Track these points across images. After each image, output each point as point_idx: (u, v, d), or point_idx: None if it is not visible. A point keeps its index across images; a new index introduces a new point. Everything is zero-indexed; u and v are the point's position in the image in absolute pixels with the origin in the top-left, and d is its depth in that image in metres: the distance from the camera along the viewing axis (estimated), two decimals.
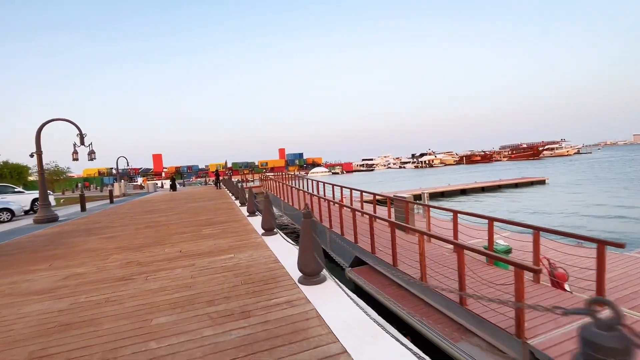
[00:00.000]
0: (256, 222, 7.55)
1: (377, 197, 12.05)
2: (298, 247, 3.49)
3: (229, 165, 32.35)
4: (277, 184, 19.52)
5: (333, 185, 15.14)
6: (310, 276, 3.35)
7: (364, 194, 12.82)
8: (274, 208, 15.53)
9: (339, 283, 3.24)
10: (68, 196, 32.82)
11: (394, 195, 11.45)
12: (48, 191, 18.38)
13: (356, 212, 8.42)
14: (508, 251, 6.67)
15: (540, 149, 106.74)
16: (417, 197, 15.71)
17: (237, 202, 12.24)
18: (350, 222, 8.77)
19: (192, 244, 5.69)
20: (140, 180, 46.58)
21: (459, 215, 7.46)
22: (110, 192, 17.18)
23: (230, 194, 16.78)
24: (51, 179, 27.16)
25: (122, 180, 26.13)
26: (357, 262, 7.94)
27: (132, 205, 15.15)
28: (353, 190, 13.32)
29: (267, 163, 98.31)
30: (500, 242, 6.80)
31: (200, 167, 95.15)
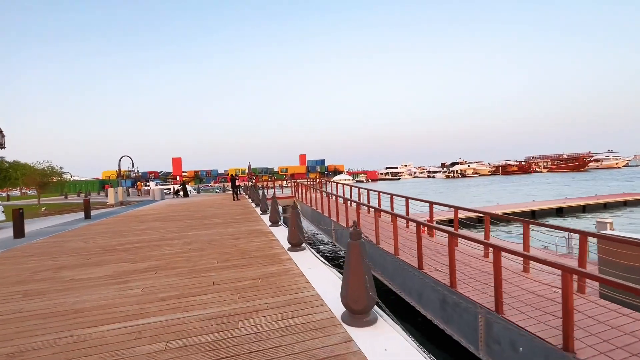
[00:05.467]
0: None
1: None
2: None
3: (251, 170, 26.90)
4: (318, 194, 13.74)
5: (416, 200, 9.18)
6: None
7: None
8: (303, 223, 9.51)
9: None
10: (73, 201, 27.17)
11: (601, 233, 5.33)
12: None
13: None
14: None
15: (587, 159, 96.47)
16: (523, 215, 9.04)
17: (273, 231, 6.54)
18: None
19: None
20: (151, 184, 42.20)
21: None
22: (87, 202, 11.85)
23: (260, 211, 11.13)
24: (42, 181, 22.46)
25: (121, 186, 21.15)
26: None
27: (109, 225, 9.76)
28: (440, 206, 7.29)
29: (287, 169, 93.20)
30: None
31: (219, 172, 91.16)
